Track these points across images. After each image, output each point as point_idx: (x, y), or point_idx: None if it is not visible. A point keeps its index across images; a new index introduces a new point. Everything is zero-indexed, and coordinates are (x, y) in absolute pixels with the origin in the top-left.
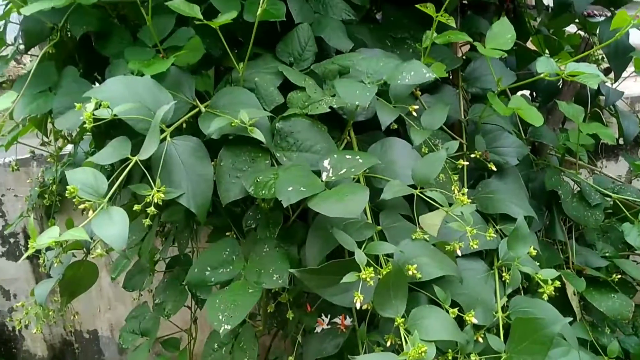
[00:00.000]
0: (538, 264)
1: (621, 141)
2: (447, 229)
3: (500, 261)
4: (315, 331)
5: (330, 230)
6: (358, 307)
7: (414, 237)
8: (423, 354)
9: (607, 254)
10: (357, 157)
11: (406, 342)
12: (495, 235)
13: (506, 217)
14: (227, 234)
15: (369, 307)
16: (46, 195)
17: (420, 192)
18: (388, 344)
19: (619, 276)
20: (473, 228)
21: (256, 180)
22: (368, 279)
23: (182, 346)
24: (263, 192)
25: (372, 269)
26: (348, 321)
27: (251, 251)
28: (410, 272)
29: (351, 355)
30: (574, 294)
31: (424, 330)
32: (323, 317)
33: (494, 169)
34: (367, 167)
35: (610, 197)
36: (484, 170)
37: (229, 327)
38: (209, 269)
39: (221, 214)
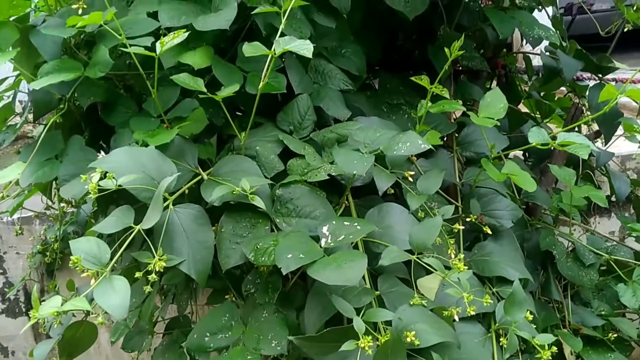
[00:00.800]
0: (535, 326)
1: (613, 198)
2: (445, 292)
3: (497, 324)
4: None
5: (329, 297)
6: None
7: (411, 302)
8: None
9: (602, 312)
10: (355, 223)
11: None
12: (492, 301)
13: (502, 279)
14: (227, 296)
15: None
16: (48, 253)
17: (418, 258)
18: None
19: (615, 334)
20: (470, 294)
21: (256, 246)
22: (367, 348)
23: None
24: (263, 258)
25: (370, 337)
26: None
27: (250, 316)
28: (408, 339)
29: None
30: (571, 354)
31: None
32: None
33: (489, 232)
34: (364, 234)
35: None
36: (480, 232)
37: None
38: (208, 334)
39: (221, 277)
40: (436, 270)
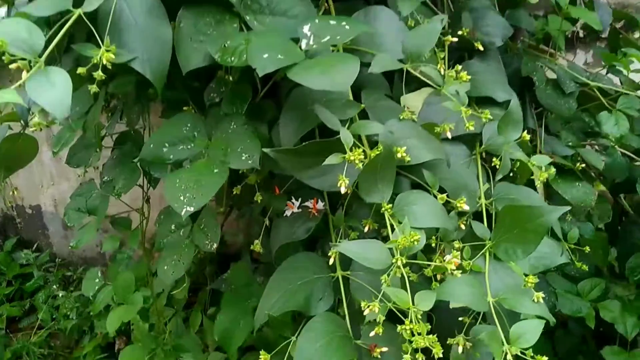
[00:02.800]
0: None
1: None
2: (429, 111)
3: (483, 146)
4: (284, 215)
5: (309, 108)
6: (343, 192)
7: (401, 117)
8: (416, 242)
9: (570, 144)
10: (344, 22)
11: (392, 229)
12: (491, 117)
13: (484, 100)
14: (185, 108)
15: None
16: None
17: (412, 67)
18: (366, 229)
19: (583, 165)
20: (468, 109)
21: (224, 45)
22: (357, 161)
23: (133, 226)
24: (232, 58)
25: (361, 150)
26: (320, 205)
27: (215, 128)
28: (399, 155)
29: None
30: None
31: (412, 216)
32: (293, 200)
33: (481, 48)
34: (355, 34)
35: (587, 85)
36: (465, 52)
37: (192, 209)
38: (166, 145)
39: (177, 88)
40: (433, 81)
